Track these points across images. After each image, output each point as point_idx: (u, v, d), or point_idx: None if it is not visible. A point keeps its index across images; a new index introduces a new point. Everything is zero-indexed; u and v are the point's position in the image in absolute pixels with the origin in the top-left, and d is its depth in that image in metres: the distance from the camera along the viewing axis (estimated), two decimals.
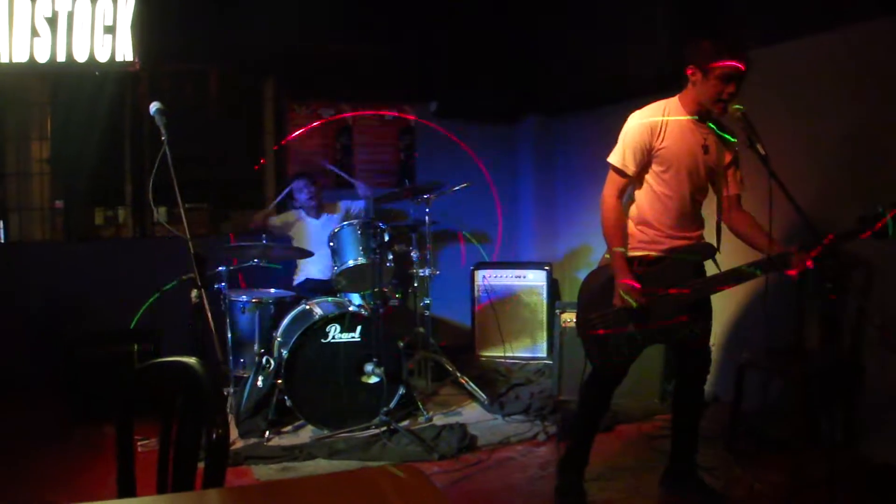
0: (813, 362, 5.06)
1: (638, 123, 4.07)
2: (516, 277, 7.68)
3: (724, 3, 5.73)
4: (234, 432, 5.46)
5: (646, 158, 4.06)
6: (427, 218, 6.74)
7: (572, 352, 5.96)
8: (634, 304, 3.99)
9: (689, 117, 4.03)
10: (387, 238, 5.97)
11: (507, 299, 7.68)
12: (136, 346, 5.95)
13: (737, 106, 3.82)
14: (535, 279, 7.62)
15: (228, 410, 5.55)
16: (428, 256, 6.71)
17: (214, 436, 2.10)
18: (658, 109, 4.08)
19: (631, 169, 4.07)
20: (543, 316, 7.55)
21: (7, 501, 4.48)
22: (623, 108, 4.29)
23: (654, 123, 4.02)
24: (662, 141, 4.01)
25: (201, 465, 2.17)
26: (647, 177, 4.13)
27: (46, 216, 7.42)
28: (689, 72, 3.97)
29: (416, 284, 6.71)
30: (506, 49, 8.08)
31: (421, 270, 6.62)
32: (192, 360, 2.35)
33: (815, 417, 5.10)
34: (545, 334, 7.51)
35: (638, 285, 3.99)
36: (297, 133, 7.88)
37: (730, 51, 3.82)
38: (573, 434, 4.55)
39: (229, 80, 7.84)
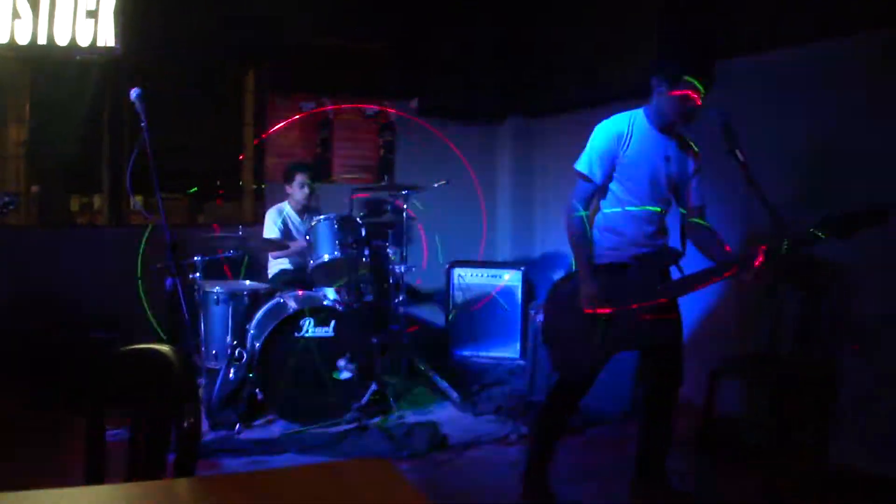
0: (785, 368, 5.09)
1: (605, 134, 4.11)
2: (492, 277, 7.69)
3: (701, 15, 5.77)
4: (203, 424, 5.43)
5: (611, 166, 4.09)
6: (405, 214, 6.72)
7: (545, 353, 5.96)
8: (600, 310, 4.00)
9: (652, 128, 4.09)
10: (363, 233, 5.94)
11: (481, 298, 7.68)
12: (103, 334, 5.91)
13: (723, 123, 3.85)
14: (510, 280, 7.64)
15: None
16: (404, 253, 6.69)
17: (186, 424, 2.08)
18: (624, 119, 4.13)
19: (598, 176, 4.10)
20: (518, 317, 7.55)
21: None
22: (598, 113, 4.33)
23: (619, 132, 4.08)
24: (627, 149, 4.06)
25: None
26: (611, 185, 4.16)
27: (21, 201, 7.36)
28: (653, 83, 4.03)
29: (391, 281, 6.69)
30: (489, 49, 8.11)
31: (397, 267, 6.60)
32: (165, 348, 2.34)
33: (786, 423, 5.13)
34: (519, 335, 7.52)
35: (599, 288, 4.02)
36: (278, 126, 7.84)
37: (694, 68, 3.88)
38: (538, 437, 4.55)
39: (210, 70, 7.80)
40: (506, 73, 8.16)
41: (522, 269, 7.67)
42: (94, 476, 2.40)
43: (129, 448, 2.34)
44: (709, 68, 3.92)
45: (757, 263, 3.75)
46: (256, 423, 5.63)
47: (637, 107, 4.18)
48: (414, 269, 6.82)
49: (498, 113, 8.70)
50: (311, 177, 6.81)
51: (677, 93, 3.89)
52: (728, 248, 4.05)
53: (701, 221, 4.21)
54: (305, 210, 6.80)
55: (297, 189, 6.76)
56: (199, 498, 2.02)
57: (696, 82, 3.85)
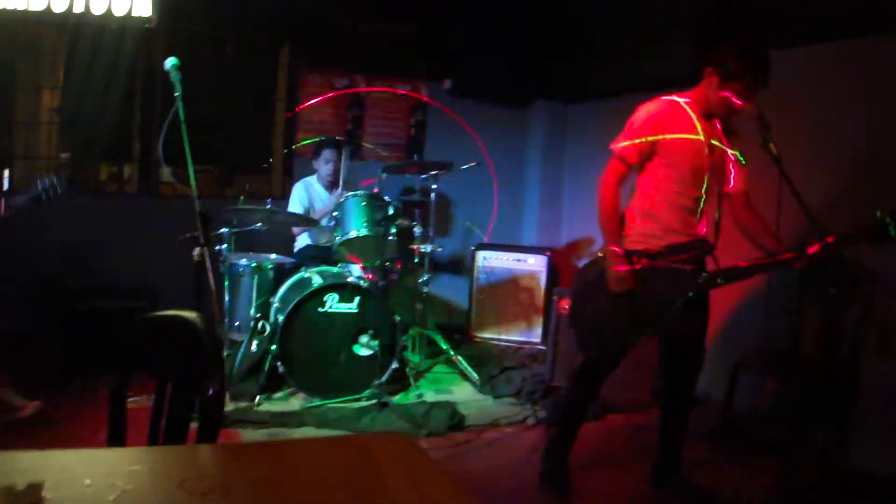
0: (808, 365, 5.06)
1: (646, 116, 4.07)
2: (517, 261, 7.69)
3: (745, 6, 5.69)
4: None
5: (649, 151, 4.05)
6: (433, 195, 6.72)
7: (567, 338, 5.95)
8: (628, 290, 3.99)
9: (696, 115, 4.03)
10: (391, 211, 5.95)
11: (506, 282, 7.69)
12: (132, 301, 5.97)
13: (758, 116, 3.80)
14: (535, 264, 7.63)
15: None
16: (431, 233, 6.70)
17: (211, 391, 2.10)
18: (667, 104, 4.08)
19: (633, 159, 4.07)
20: (541, 301, 7.56)
21: None
22: (636, 100, 4.27)
23: (662, 117, 4.02)
24: (668, 135, 4.00)
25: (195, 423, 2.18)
26: (651, 169, 4.12)
27: (52, 166, 7.41)
28: (706, 72, 3.98)
29: (417, 260, 6.70)
30: (523, 33, 8.06)
31: (423, 247, 6.61)
32: (192, 315, 2.36)
33: (806, 422, 5.10)
34: (541, 319, 7.52)
35: (628, 267, 4.00)
36: (311, 102, 7.85)
37: (753, 72, 3.82)
38: (560, 421, 4.58)
39: (245, 44, 7.81)
40: (540, 58, 8.11)
41: (547, 254, 7.66)
42: (117, 439, 2.43)
43: (152, 413, 2.37)
44: (768, 69, 3.86)
45: (811, 251, 3.68)
46: (276, 395, 5.67)
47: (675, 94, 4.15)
48: (440, 249, 6.80)
49: (531, 96, 8.66)
50: (339, 154, 6.82)
51: (731, 88, 3.85)
52: (774, 238, 3.98)
53: (748, 206, 4.15)
54: (333, 185, 6.79)
55: (323, 164, 6.77)
56: (221, 464, 2.04)
57: (749, 76, 3.82)
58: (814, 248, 3.64)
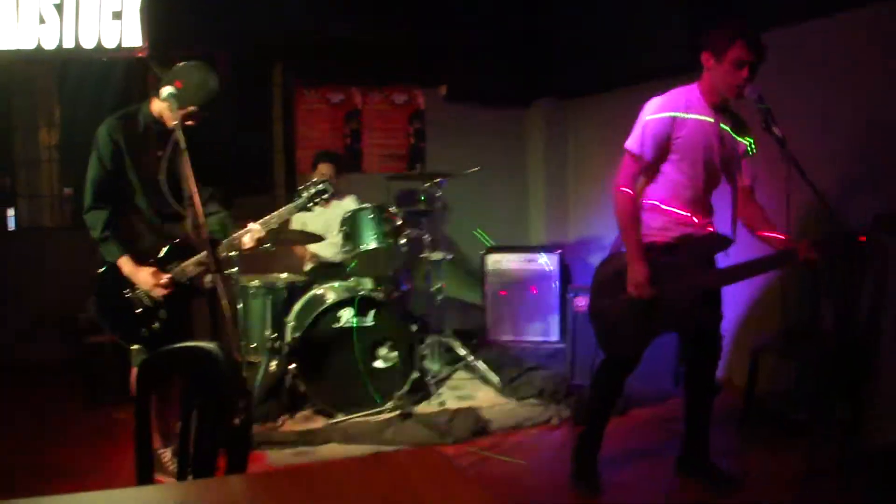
0: (827, 344, 5.03)
1: (659, 112, 4.00)
2: (528, 261, 7.66)
3: None
4: None
5: (665, 145, 4.01)
6: (439, 202, 6.70)
7: (585, 335, 5.92)
8: (647, 293, 3.97)
9: (707, 106, 4.00)
10: (399, 222, 5.93)
11: (518, 283, 7.66)
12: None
13: (757, 98, 3.78)
14: (546, 263, 7.60)
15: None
16: (439, 241, 6.67)
17: (238, 421, 2.08)
18: (677, 96, 4.03)
19: (649, 156, 4.02)
20: (555, 299, 7.53)
21: (21, 488, 4.46)
22: (638, 92, 4.25)
23: (674, 110, 3.97)
24: (682, 130, 3.97)
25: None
26: (663, 164, 4.09)
27: (55, 203, 7.41)
28: (703, 58, 3.95)
29: (428, 269, 6.68)
30: (517, 32, 8.04)
31: (432, 255, 6.58)
32: (211, 346, 2.33)
33: (828, 401, 5.07)
34: (557, 318, 7.50)
35: (649, 273, 3.98)
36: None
37: (742, 37, 3.80)
38: (586, 419, 4.56)
39: (238, 65, 7.80)
40: (534, 56, 8.09)
41: (559, 251, 7.63)
42: (145, 473, 2.41)
43: (179, 447, 2.35)
44: (755, 31, 3.83)
45: (802, 258, 3.73)
46: (299, 414, 5.64)
47: (673, 85, 4.11)
48: (450, 256, 6.78)
49: (528, 96, 8.65)
50: (336, 167, 6.81)
51: (728, 58, 3.81)
52: (774, 231, 3.98)
53: (751, 199, 4.15)
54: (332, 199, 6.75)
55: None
56: (254, 494, 2.01)
57: (743, 53, 3.80)
58: (805, 255, 3.70)
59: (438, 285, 6.66)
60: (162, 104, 4.16)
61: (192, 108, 4.08)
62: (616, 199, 4.09)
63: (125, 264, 4.21)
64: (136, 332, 4.29)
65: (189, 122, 4.06)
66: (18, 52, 6.23)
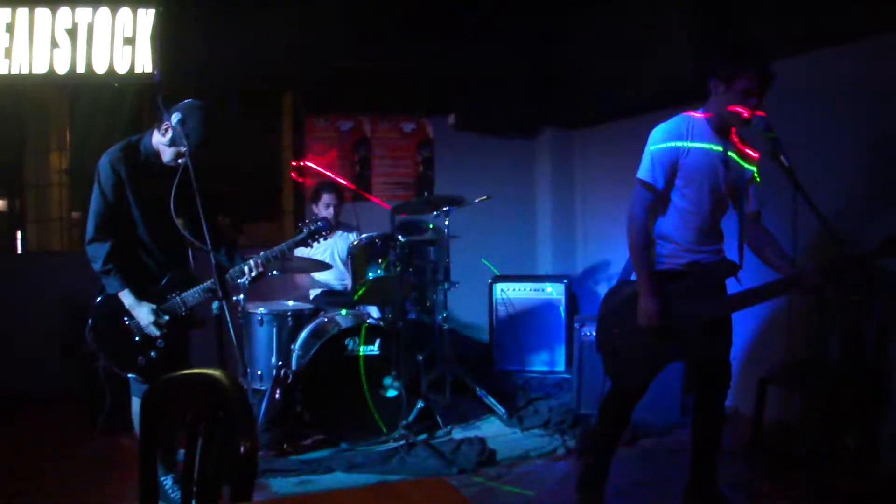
0: (835, 375, 5.01)
1: (664, 141, 4.01)
2: (534, 291, 7.64)
3: (743, 16, 5.69)
4: None
5: (673, 172, 4.00)
6: (446, 231, 6.70)
7: (592, 365, 5.91)
8: (658, 325, 3.96)
9: (712, 133, 4.00)
10: (406, 251, 5.93)
11: (525, 312, 7.64)
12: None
13: (765, 127, 3.79)
14: (553, 292, 7.58)
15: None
16: (446, 270, 6.67)
17: (243, 449, 2.07)
18: (682, 123, 4.03)
19: (661, 185, 4.01)
20: (562, 329, 7.51)
21: None
22: (643, 120, 4.26)
23: (679, 137, 3.97)
24: (687, 156, 3.97)
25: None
26: (669, 192, 4.08)
27: (64, 227, 7.43)
28: (712, 84, 3.95)
29: (434, 297, 6.67)
30: (525, 61, 8.07)
31: (439, 284, 6.58)
32: (217, 373, 2.32)
33: (837, 432, 5.04)
34: (564, 348, 7.48)
35: (660, 305, 3.97)
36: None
37: (752, 65, 3.80)
38: (593, 450, 4.53)
39: (248, 94, 7.83)
40: (541, 85, 8.11)
41: (565, 281, 7.62)
42: (149, 502, 2.39)
43: (183, 475, 2.33)
44: (765, 60, 3.84)
45: (809, 284, 3.75)
46: (304, 442, 5.63)
47: (679, 112, 4.12)
48: (457, 284, 6.77)
49: (535, 125, 8.67)
50: (339, 197, 6.84)
51: (737, 95, 3.83)
52: (782, 256, 4.00)
53: (758, 225, 4.14)
54: (336, 227, 6.78)
55: (324, 209, 6.76)
56: None
57: (752, 82, 3.80)
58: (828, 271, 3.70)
59: (444, 314, 6.64)
60: (160, 138, 4.19)
61: (182, 150, 4.08)
62: (630, 229, 4.08)
63: (126, 297, 4.24)
64: (132, 360, 4.31)
65: (181, 160, 4.07)
66: (31, 76, 6.27)
